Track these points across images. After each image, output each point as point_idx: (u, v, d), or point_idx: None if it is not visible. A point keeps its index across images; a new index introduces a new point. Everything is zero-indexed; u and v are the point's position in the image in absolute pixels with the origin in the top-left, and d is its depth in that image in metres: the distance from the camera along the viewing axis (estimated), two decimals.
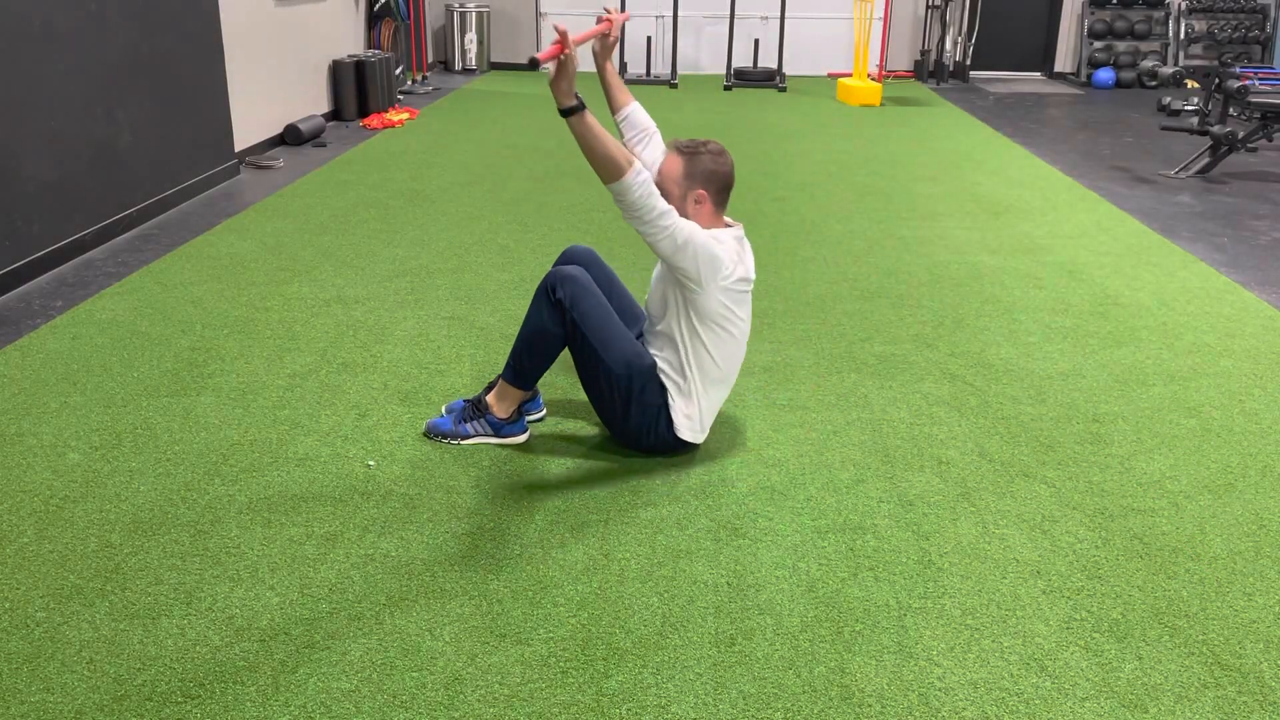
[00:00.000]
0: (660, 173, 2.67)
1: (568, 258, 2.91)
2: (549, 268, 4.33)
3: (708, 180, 2.66)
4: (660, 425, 2.72)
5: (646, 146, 2.94)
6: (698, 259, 2.54)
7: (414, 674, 1.97)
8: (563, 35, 2.40)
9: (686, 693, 1.94)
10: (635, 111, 2.95)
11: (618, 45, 3.21)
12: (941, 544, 2.43)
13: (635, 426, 2.73)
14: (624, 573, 2.30)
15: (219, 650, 2.02)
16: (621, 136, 2.93)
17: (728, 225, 2.74)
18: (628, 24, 10.29)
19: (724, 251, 2.60)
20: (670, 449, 2.78)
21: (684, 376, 2.70)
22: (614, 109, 2.96)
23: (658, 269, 2.77)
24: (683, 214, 2.60)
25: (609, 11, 2.89)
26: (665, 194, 2.58)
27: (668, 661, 2.02)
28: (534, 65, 2.42)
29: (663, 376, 2.71)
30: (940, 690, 1.97)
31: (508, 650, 2.04)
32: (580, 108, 2.42)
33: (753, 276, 2.72)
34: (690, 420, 2.73)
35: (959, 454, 2.87)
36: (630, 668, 2.00)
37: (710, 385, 2.73)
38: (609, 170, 2.45)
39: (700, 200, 2.65)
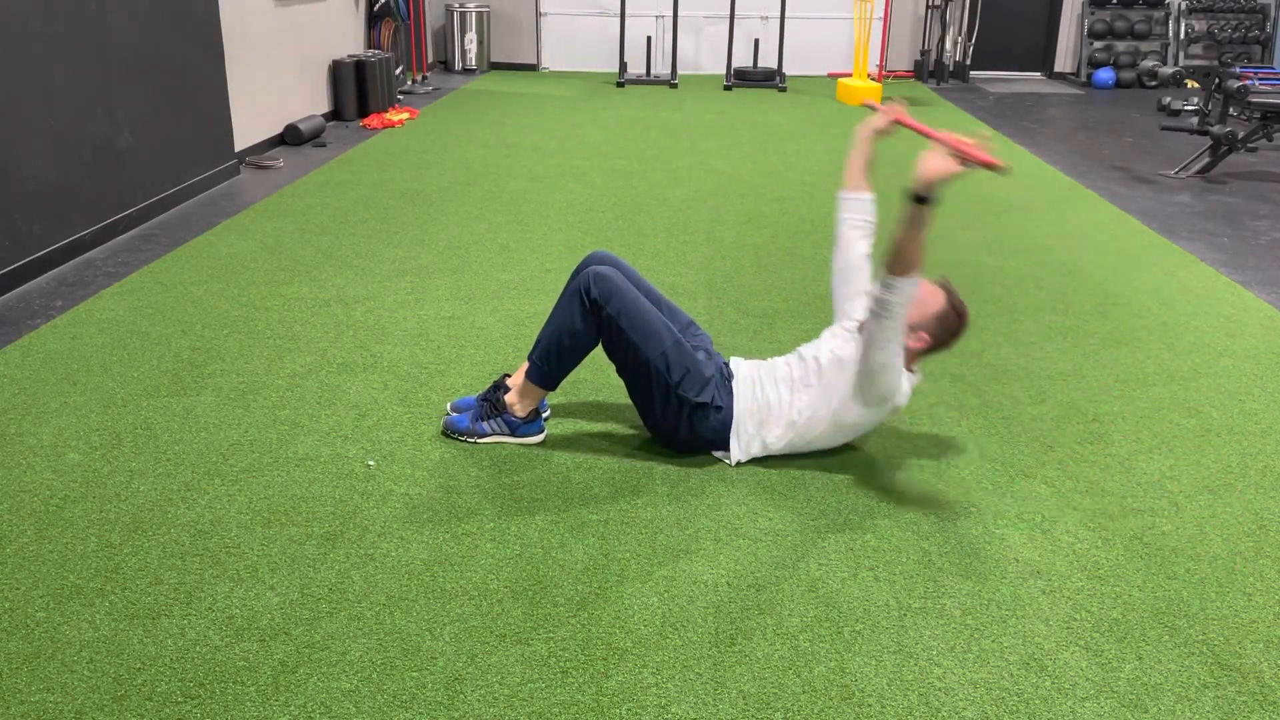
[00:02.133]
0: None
1: (591, 262, 2.90)
2: (549, 268, 4.36)
3: (940, 336, 2.71)
4: (698, 422, 2.72)
5: (864, 240, 2.96)
6: (889, 386, 2.61)
7: (414, 674, 1.97)
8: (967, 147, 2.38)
9: (686, 693, 1.94)
10: (870, 202, 2.97)
11: None
12: (941, 544, 2.43)
13: (674, 418, 2.72)
14: (624, 573, 2.30)
15: (219, 650, 2.02)
16: (841, 214, 2.97)
17: (912, 371, 2.77)
18: (628, 24, 10.29)
19: (900, 394, 2.69)
20: (702, 447, 2.78)
21: (777, 426, 2.72)
22: (855, 186, 2.97)
23: (841, 343, 2.76)
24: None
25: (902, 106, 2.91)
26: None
27: (668, 661, 2.02)
28: (997, 170, 2.39)
29: (754, 401, 2.73)
30: (940, 690, 1.97)
31: (508, 650, 2.04)
32: (935, 203, 2.39)
33: (903, 405, 2.76)
34: (747, 451, 2.76)
35: (959, 454, 2.87)
36: (630, 668, 2.00)
37: (786, 445, 2.76)
38: (905, 266, 2.43)
39: (921, 340, 2.69)
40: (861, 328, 2.74)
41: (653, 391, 2.70)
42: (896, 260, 2.42)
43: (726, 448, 2.76)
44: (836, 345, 2.76)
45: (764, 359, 2.90)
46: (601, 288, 2.65)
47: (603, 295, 2.65)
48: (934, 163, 2.36)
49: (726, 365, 2.83)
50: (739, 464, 2.76)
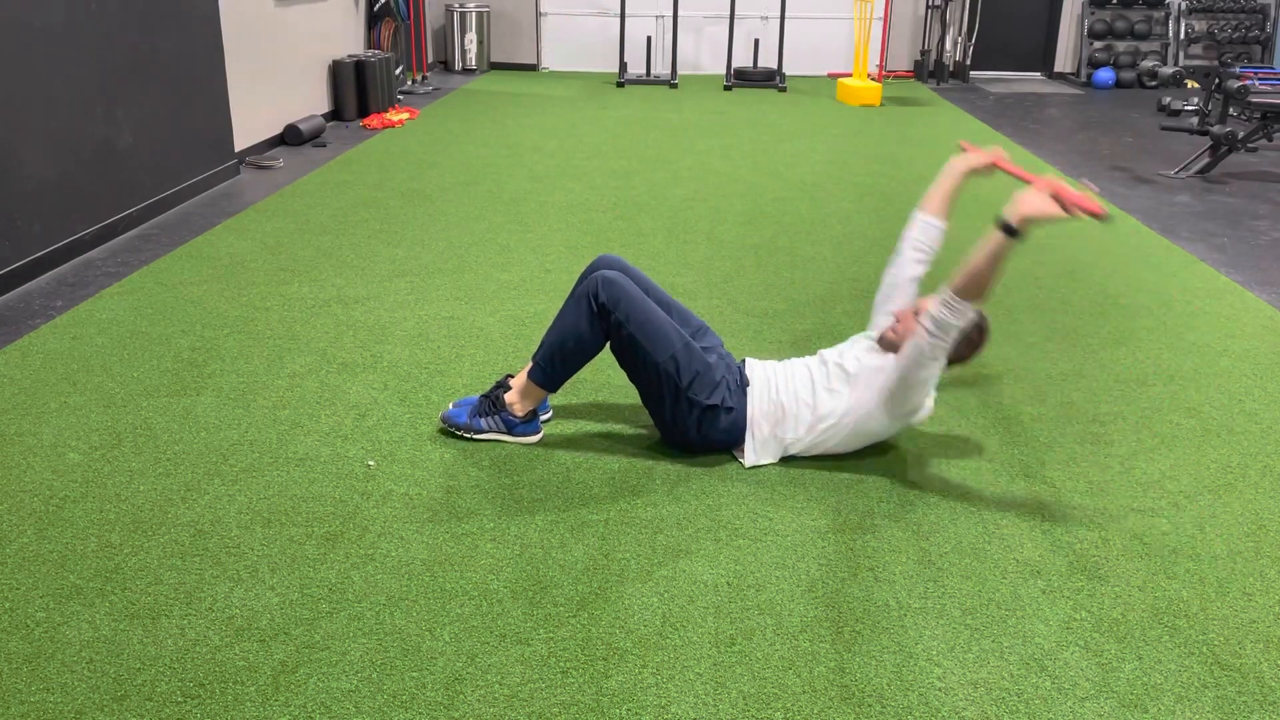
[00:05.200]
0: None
1: (600, 265, 2.89)
2: (549, 268, 4.35)
3: (962, 350, 2.71)
4: (708, 424, 2.72)
5: (921, 265, 2.97)
6: (915, 401, 2.64)
7: (414, 674, 1.97)
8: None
9: (686, 693, 1.94)
10: (941, 232, 2.97)
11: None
12: (941, 544, 2.43)
13: (684, 420, 2.72)
14: (624, 573, 2.30)
15: (219, 650, 2.02)
16: (909, 231, 2.97)
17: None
18: (628, 24, 10.30)
19: (925, 409, 2.74)
20: (712, 448, 2.79)
21: (796, 429, 2.72)
22: (933, 211, 2.97)
23: (868, 352, 2.77)
24: (902, 340, 2.67)
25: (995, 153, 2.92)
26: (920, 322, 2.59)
27: (668, 661, 2.02)
28: (1100, 218, 2.35)
29: (769, 403, 2.73)
30: (940, 690, 1.97)
31: (508, 650, 2.04)
32: (1023, 238, 2.38)
33: (923, 420, 2.79)
34: (766, 456, 2.76)
35: (959, 454, 2.87)
36: (630, 668, 2.00)
37: (805, 447, 2.76)
38: (977, 293, 2.43)
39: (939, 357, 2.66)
40: (882, 339, 2.74)
41: (663, 395, 2.70)
42: (968, 284, 2.42)
43: (740, 449, 2.76)
44: (865, 353, 2.76)
45: (781, 360, 2.90)
46: (610, 292, 2.65)
47: (611, 300, 2.64)
48: (1034, 200, 2.36)
49: (741, 367, 2.83)
50: (754, 466, 2.76)
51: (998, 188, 5.54)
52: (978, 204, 5.63)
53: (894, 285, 2.95)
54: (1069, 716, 1.91)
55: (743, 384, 2.77)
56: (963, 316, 2.45)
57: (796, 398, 2.73)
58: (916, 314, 2.66)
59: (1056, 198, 2.35)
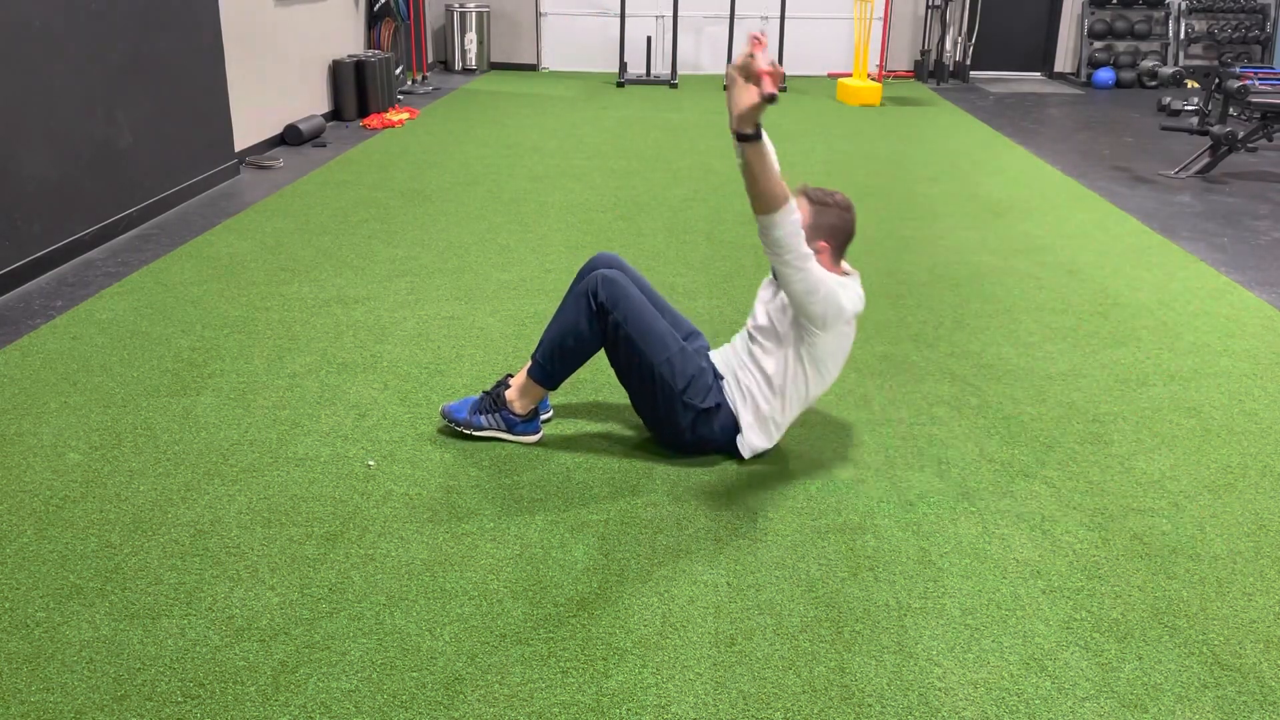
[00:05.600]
0: None
1: (597, 265, 2.90)
2: (549, 268, 4.35)
3: (831, 233, 2.67)
4: (702, 426, 2.72)
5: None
6: (826, 304, 2.55)
7: (414, 674, 1.97)
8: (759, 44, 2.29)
9: (686, 693, 1.94)
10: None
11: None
12: (941, 544, 2.43)
13: (678, 423, 2.73)
14: (624, 573, 2.30)
15: (219, 650, 2.02)
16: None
17: (845, 273, 2.74)
18: (628, 24, 10.30)
19: (847, 299, 2.62)
20: (707, 449, 2.79)
21: (769, 401, 2.71)
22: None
23: (770, 296, 2.76)
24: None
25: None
26: None
27: (668, 661, 2.02)
28: (772, 100, 2.23)
29: (749, 395, 2.72)
30: (940, 690, 1.97)
31: (508, 650, 2.04)
32: (759, 136, 2.31)
33: (861, 309, 2.71)
34: (762, 439, 2.75)
35: (959, 454, 2.87)
36: (630, 668, 2.00)
37: (792, 410, 2.75)
38: (766, 202, 2.38)
39: (821, 251, 2.66)
40: (775, 275, 2.72)
41: (657, 398, 2.70)
42: (758, 201, 2.38)
43: (734, 447, 2.76)
44: (766, 300, 2.76)
45: (728, 343, 2.89)
46: (609, 292, 2.65)
47: (610, 300, 2.65)
48: (736, 101, 2.26)
49: (715, 367, 2.83)
50: (754, 455, 2.77)
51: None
52: (982, 203, 5.63)
53: None
54: (1069, 716, 1.91)
55: (720, 381, 2.77)
56: (781, 226, 2.40)
57: (752, 375, 2.73)
58: None
59: (749, 73, 2.24)
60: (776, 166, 2.38)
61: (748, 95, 2.25)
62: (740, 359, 2.77)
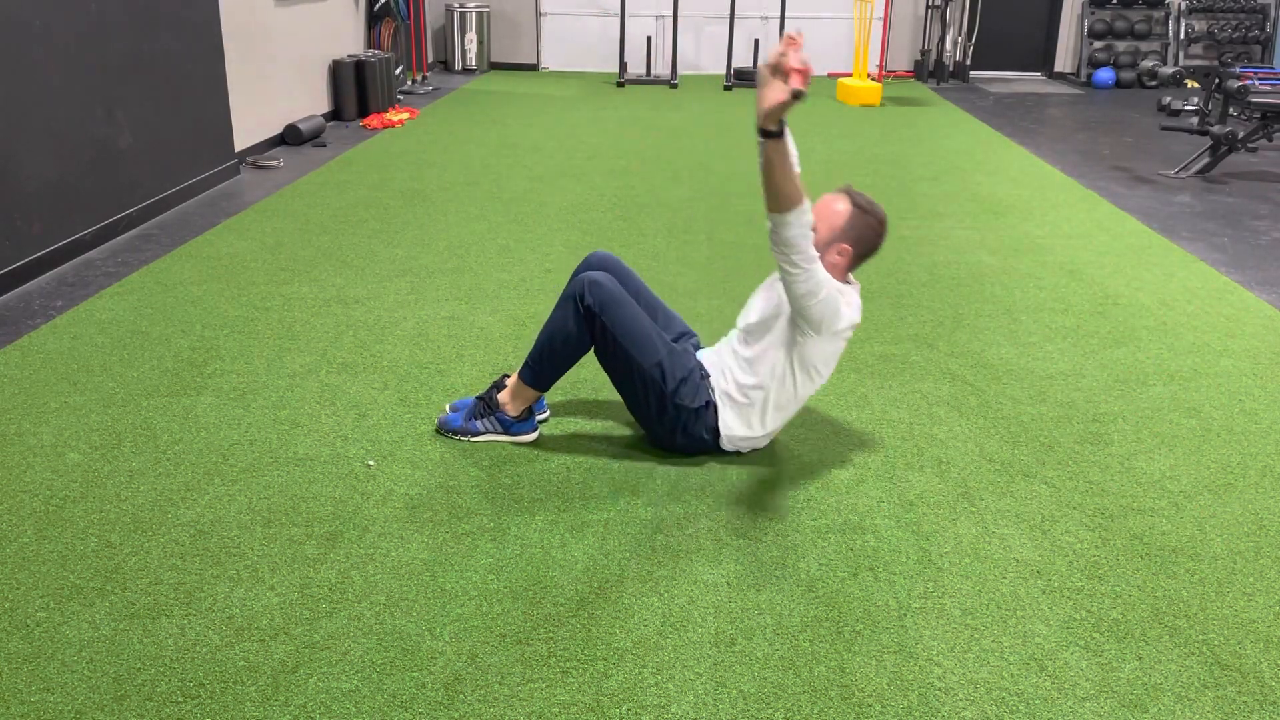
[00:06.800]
0: (819, 207, 2.64)
1: (591, 264, 2.90)
2: (549, 268, 4.35)
3: (859, 242, 2.66)
4: (693, 426, 2.72)
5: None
6: (824, 307, 2.55)
7: (414, 674, 1.97)
8: (795, 44, 2.28)
9: (686, 693, 1.94)
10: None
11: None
12: (941, 544, 2.43)
13: (670, 424, 2.73)
14: (624, 573, 2.30)
15: (219, 650, 2.02)
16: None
17: (848, 282, 2.74)
18: (628, 24, 10.30)
19: (845, 306, 2.62)
20: (699, 449, 2.79)
21: (754, 401, 2.71)
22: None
23: (767, 295, 2.75)
24: (820, 254, 2.58)
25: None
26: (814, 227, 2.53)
27: (668, 661, 2.02)
28: (799, 97, 2.24)
29: (725, 391, 2.72)
30: (940, 690, 1.97)
31: (508, 650, 2.04)
32: (782, 133, 2.32)
33: (859, 321, 2.71)
34: (745, 439, 2.75)
35: (959, 454, 2.87)
36: (630, 668, 2.00)
37: (779, 414, 2.74)
38: (780, 200, 2.38)
39: (842, 254, 2.65)
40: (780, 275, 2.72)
41: (648, 399, 2.70)
42: (774, 199, 2.39)
43: (721, 441, 2.76)
44: (762, 300, 2.76)
45: (718, 342, 2.89)
46: (596, 295, 2.64)
47: (597, 303, 2.64)
48: (765, 98, 2.27)
49: (701, 365, 2.83)
50: (737, 452, 2.78)
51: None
52: (982, 203, 5.63)
53: None
54: (1069, 716, 1.91)
55: (707, 380, 2.76)
56: (792, 225, 2.40)
57: (741, 374, 2.71)
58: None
59: (780, 70, 2.26)
60: (797, 167, 2.40)
61: (776, 92, 2.25)
62: (728, 358, 2.76)
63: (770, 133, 2.30)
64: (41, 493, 2.57)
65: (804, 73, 2.24)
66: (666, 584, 2.26)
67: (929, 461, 2.82)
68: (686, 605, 2.19)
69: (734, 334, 2.82)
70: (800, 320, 2.59)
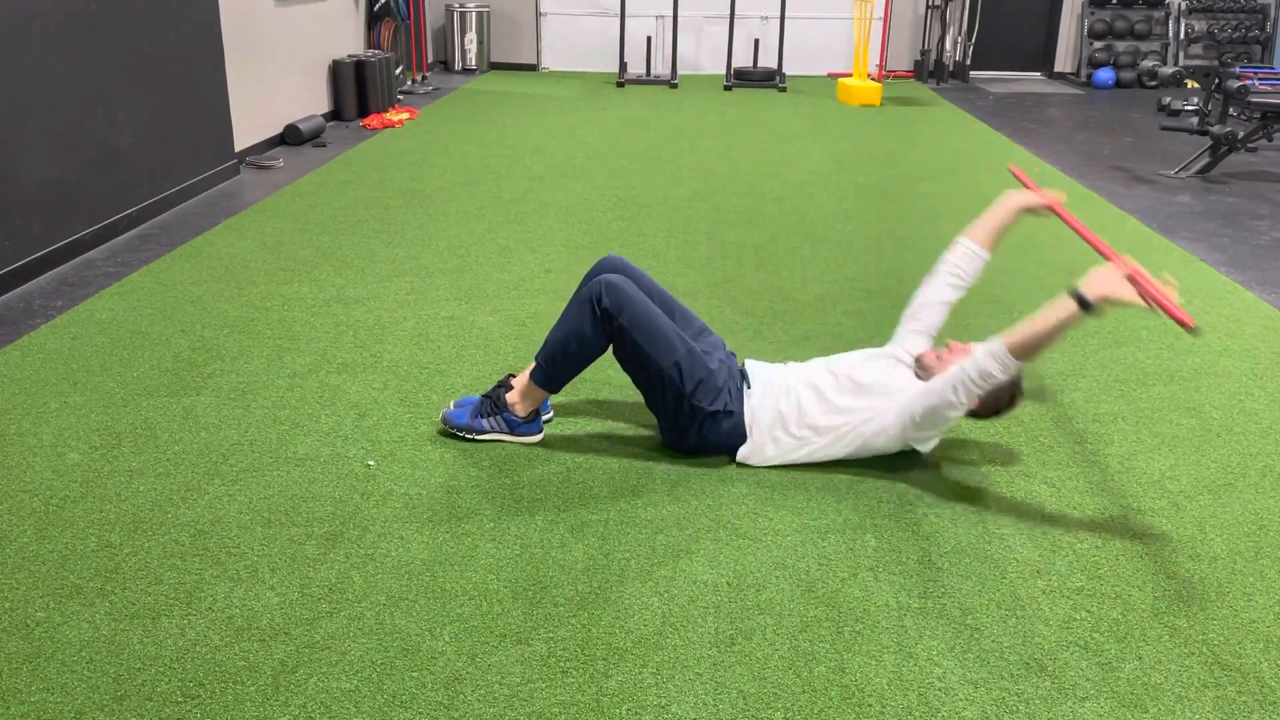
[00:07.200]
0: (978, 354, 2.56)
1: (603, 269, 2.89)
2: (549, 268, 4.35)
3: (988, 405, 2.65)
4: (709, 428, 2.72)
5: (955, 290, 2.94)
6: (927, 427, 2.60)
7: (414, 674, 1.97)
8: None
9: (686, 693, 1.94)
10: (983, 262, 2.94)
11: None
12: (941, 544, 2.43)
13: (685, 423, 2.73)
14: (624, 573, 2.30)
15: (219, 650, 2.02)
16: (951, 255, 2.94)
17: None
18: (628, 24, 10.29)
19: (932, 441, 2.69)
20: (710, 451, 2.78)
21: (795, 438, 2.71)
22: (978, 240, 2.93)
23: (879, 366, 2.76)
24: (939, 371, 2.66)
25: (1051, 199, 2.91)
26: (960, 362, 2.54)
27: (668, 661, 2.02)
28: (1186, 328, 2.25)
29: (779, 412, 2.71)
30: (940, 690, 1.97)
31: (508, 650, 2.04)
32: (1095, 312, 2.33)
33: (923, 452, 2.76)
34: (757, 459, 2.75)
35: (959, 454, 2.86)
36: (630, 668, 2.00)
37: (807, 455, 2.74)
38: (1036, 354, 2.42)
39: (974, 402, 2.57)
40: (921, 360, 2.76)
41: (666, 400, 2.71)
42: (1025, 344, 2.39)
43: (738, 451, 2.76)
44: (883, 370, 2.74)
45: (785, 363, 2.90)
46: (613, 297, 2.64)
47: (614, 305, 2.64)
48: (1115, 282, 2.30)
49: (743, 369, 2.83)
50: (753, 466, 2.76)
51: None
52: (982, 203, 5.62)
53: (925, 304, 2.93)
54: (1069, 716, 1.91)
55: (742, 387, 2.77)
56: (1009, 373, 2.43)
57: (799, 407, 2.71)
58: (965, 352, 2.65)
59: (1134, 281, 2.29)
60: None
61: (1129, 294, 2.28)
62: (796, 389, 2.74)
63: (1089, 306, 2.31)
64: (41, 493, 2.57)
65: (1172, 311, 2.25)
66: (666, 584, 2.26)
67: (929, 461, 2.82)
68: (686, 605, 2.19)
69: (820, 369, 2.79)
70: (912, 423, 2.61)
